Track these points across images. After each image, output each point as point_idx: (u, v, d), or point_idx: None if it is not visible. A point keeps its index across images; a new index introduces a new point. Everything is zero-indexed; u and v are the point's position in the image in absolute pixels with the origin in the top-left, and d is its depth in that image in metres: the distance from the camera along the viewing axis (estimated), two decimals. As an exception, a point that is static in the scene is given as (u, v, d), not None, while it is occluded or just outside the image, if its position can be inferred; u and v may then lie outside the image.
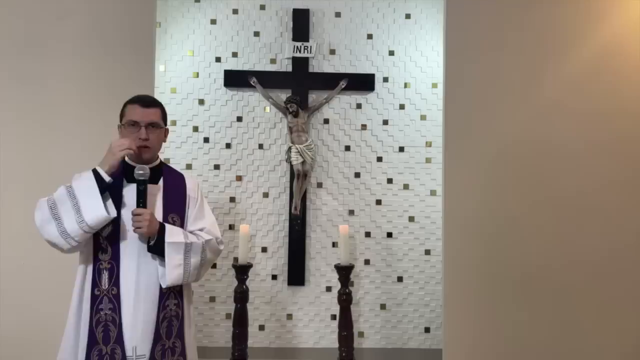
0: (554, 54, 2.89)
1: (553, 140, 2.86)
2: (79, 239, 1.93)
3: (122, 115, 2.11)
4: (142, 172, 2.00)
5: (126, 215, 2.02)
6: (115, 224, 2.01)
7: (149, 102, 2.12)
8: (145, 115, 2.07)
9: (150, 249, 2.01)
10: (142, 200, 2.00)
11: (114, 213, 1.96)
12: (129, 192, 2.05)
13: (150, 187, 2.04)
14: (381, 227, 3.69)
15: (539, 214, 2.85)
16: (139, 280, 2.00)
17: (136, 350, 1.97)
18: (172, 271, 2.00)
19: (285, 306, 3.65)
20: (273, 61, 3.71)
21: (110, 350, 1.95)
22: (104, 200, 1.94)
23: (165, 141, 2.19)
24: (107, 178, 1.96)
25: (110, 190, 1.99)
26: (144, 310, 1.99)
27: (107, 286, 1.98)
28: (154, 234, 1.99)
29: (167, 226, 2.04)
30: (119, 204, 2.02)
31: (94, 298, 1.98)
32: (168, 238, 2.00)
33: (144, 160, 2.08)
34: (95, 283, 1.99)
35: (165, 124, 2.17)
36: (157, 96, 2.88)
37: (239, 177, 3.68)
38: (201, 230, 2.15)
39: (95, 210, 1.91)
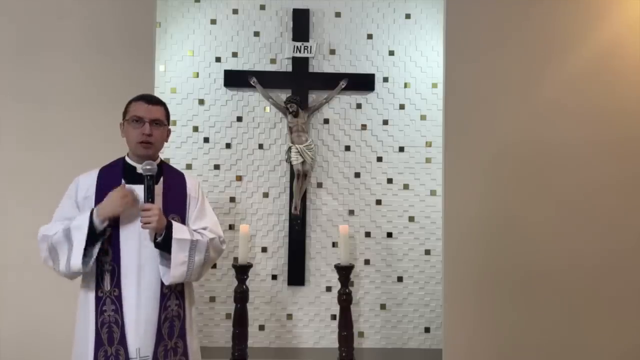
0: (554, 53, 2.89)
1: (553, 140, 2.87)
2: (70, 276, 2.01)
3: (125, 113, 2.11)
4: (150, 167, 1.99)
5: (125, 217, 2.01)
6: (115, 226, 2.01)
7: (153, 100, 2.14)
8: (150, 111, 2.07)
9: (157, 245, 2.00)
10: (150, 195, 1.99)
11: (87, 269, 1.98)
12: None
13: None
14: (381, 227, 3.69)
15: (538, 213, 2.85)
16: (140, 281, 2.00)
17: (140, 352, 1.97)
18: (176, 268, 2.00)
19: (285, 306, 3.65)
20: (273, 61, 3.71)
21: (115, 351, 1.96)
22: (93, 246, 1.96)
23: (167, 141, 2.19)
24: (100, 227, 1.96)
25: (104, 235, 1.99)
26: (145, 311, 1.99)
27: (109, 288, 1.99)
28: (162, 229, 1.99)
29: (175, 223, 2.04)
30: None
31: (97, 300, 1.99)
32: (176, 234, 1.99)
33: (146, 158, 2.08)
34: (99, 285, 2.00)
35: (168, 124, 2.17)
36: (157, 96, 2.87)
37: (239, 177, 3.68)
38: (204, 229, 2.14)
39: (75, 259, 1.95)
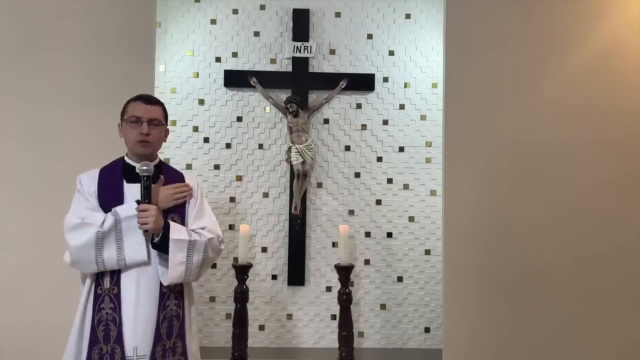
0: (554, 53, 2.89)
1: (553, 140, 2.86)
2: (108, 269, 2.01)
3: (123, 113, 2.12)
4: (146, 168, 2.00)
5: None
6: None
7: (151, 99, 2.15)
8: (148, 111, 2.08)
9: (154, 246, 2.01)
10: (147, 196, 2.00)
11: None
12: (129, 192, 2.06)
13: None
14: (381, 227, 3.68)
15: (538, 213, 2.85)
16: (139, 280, 2.00)
17: (137, 351, 1.97)
18: (174, 269, 2.00)
19: (285, 306, 3.65)
20: (273, 61, 3.71)
21: (111, 349, 1.96)
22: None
23: (165, 141, 2.20)
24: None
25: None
26: (144, 309, 1.99)
27: (108, 285, 2.00)
28: (159, 230, 2.00)
29: (172, 223, 2.05)
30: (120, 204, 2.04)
31: (96, 297, 2.00)
32: (173, 235, 2.00)
33: (144, 157, 2.08)
34: (99, 282, 2.01)
35: (166, 124, 2.18)
36: (157, 96, 2.87)
37: (239, 177, 3.68)
38: (202, 229, 2.14)
39: (137, 252, 1.99)
